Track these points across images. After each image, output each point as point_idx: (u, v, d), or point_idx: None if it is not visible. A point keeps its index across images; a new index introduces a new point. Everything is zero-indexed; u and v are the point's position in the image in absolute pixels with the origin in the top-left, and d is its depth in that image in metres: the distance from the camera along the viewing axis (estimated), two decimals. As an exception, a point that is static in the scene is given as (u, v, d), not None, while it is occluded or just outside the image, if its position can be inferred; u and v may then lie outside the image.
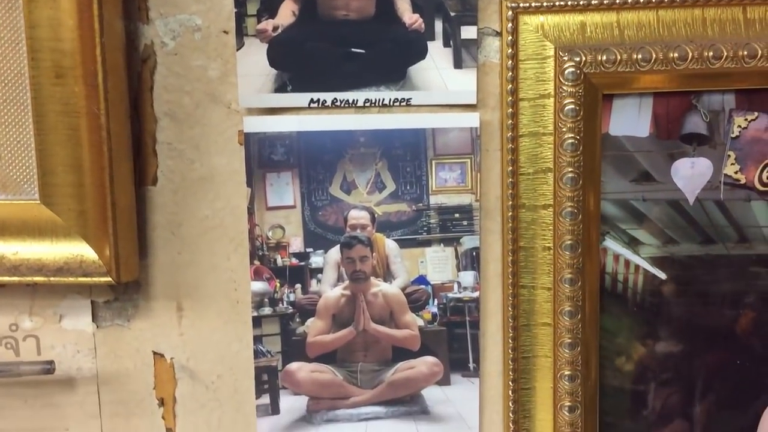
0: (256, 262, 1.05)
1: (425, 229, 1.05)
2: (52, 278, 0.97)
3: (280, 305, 1.06)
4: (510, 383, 1.05)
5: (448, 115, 1.01)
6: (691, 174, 1.02)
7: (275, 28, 0.99)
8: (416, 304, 1.06)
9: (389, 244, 1.05)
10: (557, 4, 0.97)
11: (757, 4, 0.97)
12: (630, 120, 1.01)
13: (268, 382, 1.07)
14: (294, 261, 1.05)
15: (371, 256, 1.05)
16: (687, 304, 1.05)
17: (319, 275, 1.05)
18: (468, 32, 0.99)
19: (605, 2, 0.97)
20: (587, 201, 1.01)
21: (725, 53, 0.97)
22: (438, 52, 1.00)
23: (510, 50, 0.98)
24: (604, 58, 0.97)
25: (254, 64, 0.99)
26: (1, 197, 0.97)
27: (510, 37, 0.98)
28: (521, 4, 0.97)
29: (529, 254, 1.03)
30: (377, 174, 1.03)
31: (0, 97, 0.95)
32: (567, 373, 1.04)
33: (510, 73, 0.99)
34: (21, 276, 0.97)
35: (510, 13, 0.97)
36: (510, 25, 0.98)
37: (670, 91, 1.00)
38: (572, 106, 0.98)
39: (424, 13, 0.99)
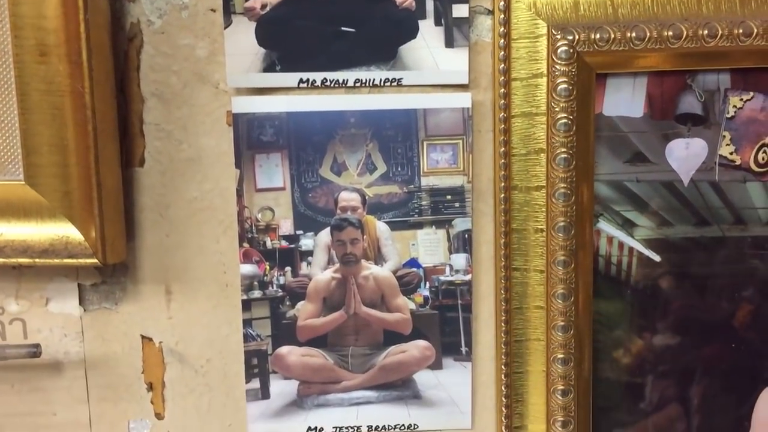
0: (246, 245, 1.03)
1: (417, 211, 1.03)
2: (37, 260, 0.95)
3: (270, 288, 1.04)
4: (502, 367, 1.04)
5: (440, 95, 1.00)
6: (685, 155, 1.01)
7: (263, 6, 0.97)
8: (408, 287, 1.05)
9: (380, 227, 1.04)
10: (550, -19, 0.96)
11: (752, -18, 0.96)
12: (624, 100, 1.00)
13: (258, 366, 1.06)
14: (284, 243, 1.04)
15: (362, 238, 1.04)
16: (681, 287, 1.04)
17: (310, 258, 1.04)
18: (459, 10, 0.98)
19: (599, -20, 0.96)
20: (580, 182, 0.99)
21: (720, 32, 0.96)
22: (429, 31, 0.99)
23: (502, 29, 0.97)
24: (598, 36, 0.96)
25: (242, 42, 0.98)
26: (-15, 178, 0.95)
27: (502, 16, 0.96)
28: (513, -18, 0.96)
29: (522, 236, 1.02)
30: (368, 155, 1.02)
31: (-17, 76, 0.94)
32: (560, 356, 1.03)
33: (502, 52, 0.97)
34: (6, 257, 0.95)
35: (502, -10, 0.96)
36: (502, 3, 0.96)
37: (664, 71, 0.98)
38: (565, 86, 0.97)
39: (414, -10, 0.98)
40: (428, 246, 1.04)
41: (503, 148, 0.99)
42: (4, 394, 1.06)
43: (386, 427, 1.06)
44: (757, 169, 1.01)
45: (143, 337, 1.06)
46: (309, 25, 0.98)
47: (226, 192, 1.02)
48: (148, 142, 1.01)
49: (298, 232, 1.03)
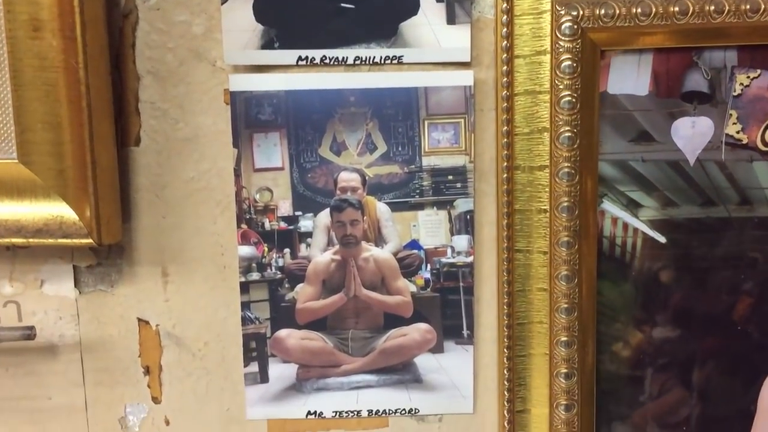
0: (244, 226, 1.02)
1: (418, 191, 1.02)
2: (31, 240, 0.94)
3: (269, 270, 1.03)
4: (505, 350, 1.02)
5: (441, 73, 0.98)
6: (691, 134, 0.99)
7: (261, -18, 0.96)
8: (408, 269, 1.03)
9: (380, 208, 1.02)
10: (554, -44, 0.94)
11: (760, -44, 0.94)
12: (629, 78, 0.98)
13: (257, 350, 1.04)
14: (282, 225, 1.02)
15: (362, 219, 1.02)
16: (687, 268, 1.02)
17: (309, 239, 1.02)
18: (461, -14, 0.96)
19: (604, -46, 0.94)
20: (584, 162, 0.98)
21: (727, 7, 0.94)
22: (430, 8, 0.97)
23: (505, 5, 0.95)
24: (603, 12, 0.94)
25: (240, 19, 0.96)
26: (-22, 157, 0.94)
27: (505, -9, 0.95)
28: (516, -44, 0.94)
29: (525, 217, 1.00)
30: (368, 134, 1.00)
31: (-25, 52, 0.92)
32: (563, 339, 1.01)
33: (505, 29, 0.96)
34: (-1, 238, 0.94)
35: (505, -35, 0.94)
36: (505, -22, 0.94)
37: (670, 48, 0.97)
38: (569, 63, 0.95)
39: (416, -35, 0.96)
40: (429, 227, 1.02)
41: (506, 127, 0.98)
42: (-1, 377, 1.05)
43: (387, 411, 1.05)
44: (764, 149, 0.99)
45: (140, 319, 1.04)
46: (308, 1, 0.96)
47: (223, 172, 1.01)
48: (144, 121, 0.99)
49: (297, 213, 1.02)
